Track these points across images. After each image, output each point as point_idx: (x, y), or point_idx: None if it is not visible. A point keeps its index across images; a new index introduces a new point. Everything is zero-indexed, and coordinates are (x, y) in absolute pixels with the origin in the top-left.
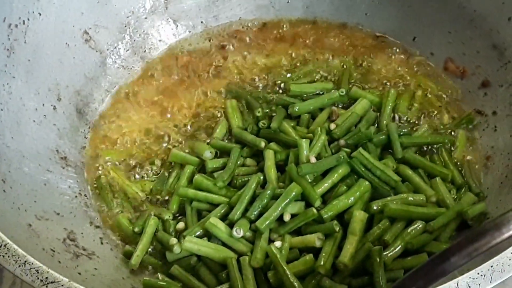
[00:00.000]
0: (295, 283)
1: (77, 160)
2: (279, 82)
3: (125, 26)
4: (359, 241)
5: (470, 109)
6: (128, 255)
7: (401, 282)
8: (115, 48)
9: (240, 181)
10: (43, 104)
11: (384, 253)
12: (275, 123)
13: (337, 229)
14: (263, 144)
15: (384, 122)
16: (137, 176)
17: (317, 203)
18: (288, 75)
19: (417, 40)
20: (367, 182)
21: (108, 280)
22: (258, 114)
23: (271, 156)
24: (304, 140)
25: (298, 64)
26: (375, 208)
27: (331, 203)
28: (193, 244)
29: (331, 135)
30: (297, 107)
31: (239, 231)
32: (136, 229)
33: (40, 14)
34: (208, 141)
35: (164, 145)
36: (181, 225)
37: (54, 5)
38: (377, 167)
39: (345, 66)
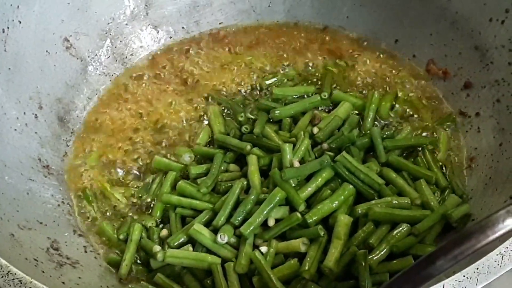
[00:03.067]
0: None
1: (59, 168)
2: (261, 86)
3: (106, 33)
4: (344, 245)
5: (453, 110)
6: (112, 263)
7: (387, 286)
8: (96, 55)
9: (223, 186)
10: (24, 113)
11: (369, 257)
12: (257, 128)
13: (322, 233)
14: (248, 147)
15: (367, 125)
16: (120, 183)
17: (301, 207)
18: (271, 79)
19: (399, 43)
20: (351, 186)
21: None
22: (241, 119)
23: (254, 161)
24: (287, 144)
25: (280, 68)
26: (359, 211)
27: (315, 207)
28: (175, 258)
29: (314, 139)
30: (278, 112)
31: (224, 237)
32: (121, 237)
33: (20, 22)
34: (190, 147)
35: (147, 151)
36: (165, 232)
37: (34, 13)
38: (360, 171)
39: (327, 69)
